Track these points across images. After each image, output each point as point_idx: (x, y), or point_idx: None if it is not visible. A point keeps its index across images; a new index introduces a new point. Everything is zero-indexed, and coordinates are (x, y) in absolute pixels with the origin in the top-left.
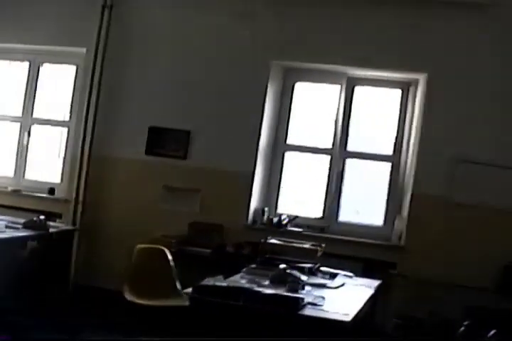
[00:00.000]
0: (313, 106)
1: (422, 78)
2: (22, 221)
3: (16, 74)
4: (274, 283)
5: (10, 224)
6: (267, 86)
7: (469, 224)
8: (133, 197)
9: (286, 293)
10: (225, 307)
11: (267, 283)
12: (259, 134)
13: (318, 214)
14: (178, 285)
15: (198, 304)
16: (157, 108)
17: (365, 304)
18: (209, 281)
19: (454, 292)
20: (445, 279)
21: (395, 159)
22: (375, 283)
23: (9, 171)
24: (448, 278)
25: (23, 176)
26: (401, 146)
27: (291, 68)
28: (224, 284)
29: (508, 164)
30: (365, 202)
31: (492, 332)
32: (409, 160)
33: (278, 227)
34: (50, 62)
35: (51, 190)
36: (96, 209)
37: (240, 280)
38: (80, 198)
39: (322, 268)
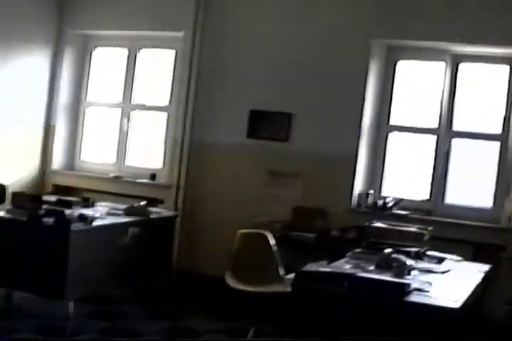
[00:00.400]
0: (416, 85)
1: None
2: (123, 207)
3: (115, 61)
4: (380, 268)
5: (111, 211)
6: (368, 65)
7: None
8: (234, 181)
9: (391, 279)
10: (328, 294)
11: (372, 268)
12: (362, 115)
13: (425, 196)
14: (282, 271)
15: (300, 290)
16: (258, 91)
17: (474, 290)
18: (312, 267)
19: None
20: None
21: (503, 138)
22: (485, 267)
23: (111, 158)
24: None
25: (124, 162)
26: (510, 125)
27: (393, 46)
28: (327, 269)
29: None
30: (473, 183)
31: None
32: None
33: (383, 210)
34: (148, 47)
35: (152, 176)
36: (197, 194)
37: (344, 265)
38: (182, 183)
39: (429, 253)
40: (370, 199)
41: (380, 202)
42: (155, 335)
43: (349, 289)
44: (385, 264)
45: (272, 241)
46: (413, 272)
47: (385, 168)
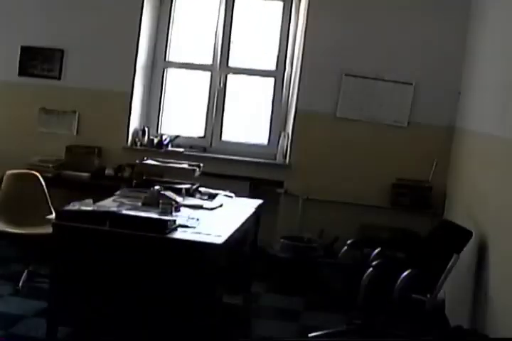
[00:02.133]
0: (193, 21)
1: None
2: None
3: None
4: (147, 205)
5: None
6: (143, 0)
7: (355, 140)
8: (6, 121)
9: (153, 216)
10: (91, 233)
11: (139, 205)
12: (137, 51)
13: (201, 133)
14: (53, 212)
15: (60, 230)
16: (28, 26)
17: (243, 224)
18: (75, 206)
19: (344, 210)
20: (334, 197)
21: (277, 75)
22: (257, 202)
23: None
24: (337, 197)
25: None
26: (284, 61)
27: None
28: (89, 208)
29: (396, 78)
30: (249, 120)
31: (376, 251)
32: (293, 76)
33: (159, 148)
34: None
35: None
36: None
37: (110, 203)
38: None
39: (201, 189)
40: (146, 137)
41: (156, 140)
42: None
43: (111, 227)
44: (152, 202)
45: (43, 182)
46: (182, 209)
47: (162, 105)
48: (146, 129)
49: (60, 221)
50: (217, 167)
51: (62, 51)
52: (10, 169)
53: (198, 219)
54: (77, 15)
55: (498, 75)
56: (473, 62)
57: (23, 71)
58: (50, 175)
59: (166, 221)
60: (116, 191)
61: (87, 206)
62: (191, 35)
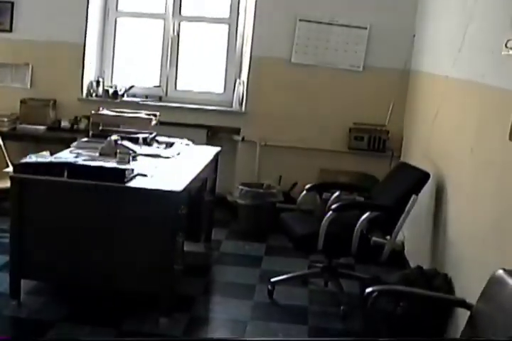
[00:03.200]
0: None
1: None
2: None
3: None
4: (104, 155)
5: None
6: None
7: (311, 86)
8: None
9: (111, 165)
10: (49, 184)
11: (96, 155)
12: (88, 1)
13: (156, 82)
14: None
15: (19, 183)
16: None
17: (201, 172)
18: (31, 158)
19: (303, 156)
20: (292, 143)
21: (231, 22)
22: (215, 149)
23: None
24: (295, 143)
25: None
26: (238, 8)
27: None
28: (46, 160)
29: (350, 22)
30: (204, 68)
31: (335, 195)
32: (246, 22)
33: (114, 98)
34: None
35: None
36: None
37: (67, 155)
38: None
39: (159, 138)
40: (100, 88)
41: (112, 90)
42: None
43: (69, 178)
44: (110, 152)
45: None
46: (140, 158)
47: (116, 56)
48: (101, 80)
49: (18, 174)
50: (173, 116)
51: (12, 3)
52: None
53: (156, 168)
54: None
55: (452, 17)
56: (427, 4)
57: None
58: (5, 129)
59: (125, 170)
60: (72, 143)
61: (44, 158)
62: None
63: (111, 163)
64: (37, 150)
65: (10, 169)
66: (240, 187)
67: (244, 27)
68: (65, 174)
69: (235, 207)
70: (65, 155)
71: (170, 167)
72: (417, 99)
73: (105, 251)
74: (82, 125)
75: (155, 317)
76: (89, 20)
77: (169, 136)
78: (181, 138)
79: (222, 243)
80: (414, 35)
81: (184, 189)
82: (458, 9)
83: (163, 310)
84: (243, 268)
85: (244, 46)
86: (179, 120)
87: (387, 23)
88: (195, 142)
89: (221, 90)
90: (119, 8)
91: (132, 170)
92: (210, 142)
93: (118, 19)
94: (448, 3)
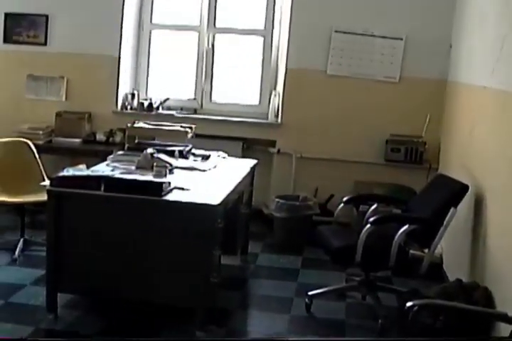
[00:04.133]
0: None
1: None
2: None
3: None
4: (141, 168)
5: None
6: None
7: (347, 97)
8: None
9: (148, 178)
10: (86, 198)
11: (133, 169)
12: (123, 14)
13: (191, 95)
14: (46, 180)
15: (56, 196)
16: None
17: (238, 185)
18: (68, 171)
19: (339, 168)
20: (328, 156)
21: (266, 33)
22: (252, 162)
23: None
24: (331, 155)
25: None
26: (273, 20)
27: None
28: (83, 173)
29: (386, 33)
30: (239, 80)
31: (372, 207)
32: (282, 34)
33: (149, 111)
34: None
35: None
36: None
37: (104, 168)
38: None
39: (195, 151)
40: (135, 101)
41: (147, 103)
42: None
43: (106, 192)
44: (146, 165)
45: (34, 149)
46: (175, 171)
47: (150, 68)
48: (136, 92)
49: (55, 187)
50: (208, 128)
51: (46, 16)
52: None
53: (193, 181)
54: None
55: (489, 27)
56: (463, 14)
57: (8, 38)
58: (40, 142)
59: (162, 183)
60: (108, 156)
61: (81, 171)
62: None
63: (148, 176)
64: (72, 163)
65: (47, 182)
66: (276, 199)
67: (279, 38)
68: (102, 187)
69: (270, 219)
70: (102, 169)
71: (206, 180)
72: (455, 109)
73: (142, 264)
74: (117, 138)
75: (191, 330)
76: (123, 32)
77: (204, 149)
78: (217, 150)
79: (259, 256)
80: (450, 46)
81: (221, 202)
82: (496, 19)
83: (200, 323)
84: (280, 282)
85: (279, 57)
86: (214, 132)
87: (423, 33)
88: (230, 154)
89: (256, 102)
90: (153, 21)
91: (169, 183)
92: (245, 154)
93: (152, 31)
94: (486, 12)
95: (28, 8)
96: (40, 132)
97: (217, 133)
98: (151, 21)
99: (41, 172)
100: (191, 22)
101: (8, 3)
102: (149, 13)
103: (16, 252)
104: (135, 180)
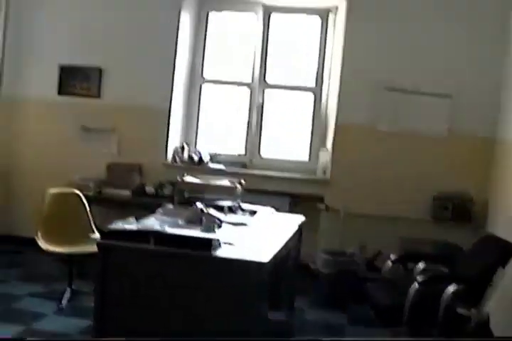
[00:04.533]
0: (229, 37)
1: (341, 4)
2: None
3: None
4: (190, 223)
5: None
6: (179, 16)
7: (395, 153)
8: (47, 140)
9: (198, 234)
10: (135, 251)
11: (182, 223)
12: (174, 68)
13: (241, 150)
14: (95, 231)
15: (105, 249)
16: (66, 46)
17: (287, 242)
18: (118, 224)
19: (386, 224)
20: (375, 212)
21: (316, 90)
22: (300, 218)
23: None
24: (378, 211)
25: None
26: (322, 77)
27: None
28: (133, 227)
29: (434, 90)
30: (289, 136)
31: (421, 266)
32: (331, 91)
33: (199, 165)
34: None
35: None
36: (10, 153)
37: (153, 221)
38: None
39: (243, 206)
40: (185, 153)
41: (196, 156)
42: None
43: (155, 246)
44: (195, 219)
45: (85, 200)
46: (225, 226)
47: (200, 122)
48: (185, 146)
49: (105, 240)
50: (257, 183)
51: (100, 69)
52: (51, 187)
53: (241, 237)
54: (113, 34)
55: None
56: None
57: (62, 90)
58: (91, 193)
59: (211, 239)
60: (157, 208)
61: (130, 224)
62: (228, 51)
63: (197, 231)
64: (121, 215)
65: (97, 235)
66: (323, 255)
67: (328, 94)
68: (152, 241)
69: (317, 274)
70: (151, 222)
71: (255, 235)
72: (503, 167)
73: (188, 318)
74: (167, 190)
75: None
76: (174, 86)
77: (252, 203)
78: (264, 205)
79: (305, 311)
80: (499, 103)
81: (270, 260)
82: None
83: None
84: (325, 338)
85: (328, 113)
86: (262, 187)
87: (472, 91)
88: (278, 209)
89: (306, 158)
90: (204, 75)
91: (218, 240)
92: (293, 209)
93: (203, 85)
94: None
95: (82, 60)
96: (91, 183)
97: (265, 187)
98: (202, 75)
99: (90, 223)
100: (242, 76)
101: (63, 56)
102: (200, 67)
103: (63, 301)
104: (185, 235)
